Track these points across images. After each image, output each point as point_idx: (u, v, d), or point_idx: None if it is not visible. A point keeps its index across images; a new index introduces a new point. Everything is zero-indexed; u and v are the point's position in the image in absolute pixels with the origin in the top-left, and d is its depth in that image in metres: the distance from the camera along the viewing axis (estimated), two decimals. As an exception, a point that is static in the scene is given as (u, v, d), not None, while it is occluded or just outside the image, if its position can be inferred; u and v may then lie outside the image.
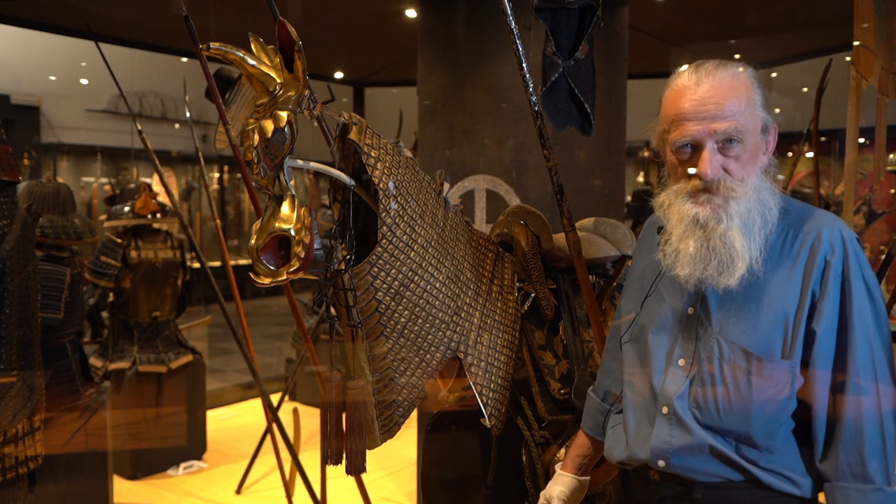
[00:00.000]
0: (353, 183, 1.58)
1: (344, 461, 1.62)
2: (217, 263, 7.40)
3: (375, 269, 1.56)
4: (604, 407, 1.68)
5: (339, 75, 6.80)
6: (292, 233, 1.39)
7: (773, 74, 6.85)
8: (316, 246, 1.44)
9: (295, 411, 3.57)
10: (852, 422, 1.30)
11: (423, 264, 1.64)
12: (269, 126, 1.36)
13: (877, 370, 1.31)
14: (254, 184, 1.76)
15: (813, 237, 1.34)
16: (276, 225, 1.39)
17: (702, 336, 1.40)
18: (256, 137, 1.36)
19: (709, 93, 1.32)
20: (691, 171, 1.35)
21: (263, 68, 1.36)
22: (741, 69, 1.36)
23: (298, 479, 3.35)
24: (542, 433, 1.95)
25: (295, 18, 1.63)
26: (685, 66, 1.38)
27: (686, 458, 1.40)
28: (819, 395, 1.33)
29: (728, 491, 1.38)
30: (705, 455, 1.38)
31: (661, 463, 1.42)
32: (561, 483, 1.71)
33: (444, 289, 1.70)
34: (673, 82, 1.38)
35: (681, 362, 1.42)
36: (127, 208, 4.20)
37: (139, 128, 3.84)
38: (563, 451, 1.96)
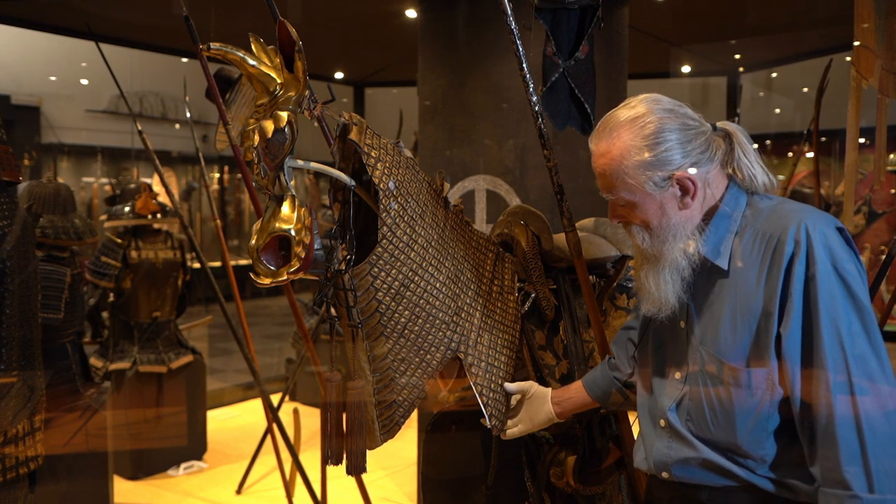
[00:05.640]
0: (353, 183, 1.58)
1: (344, 461, 1.62)
2: (217, 264, 7.40)
3: (376, 270, 1.56)
4: (608, 373, 1.75)
5: (339, 75, 6.80)
6: (292, 233, 1.39)
7: (774, 74, 6.85)
8: (316, 246, 1.44)
9: (295, 411, 3.57)
10: (824, 427, 1.25)
11: (424, 264, 1.64)
12: (269, 126, 1.35)
13: (850, 371, 1.24)
14: (254, 184, 1.76)
15: (778, 237, 1.31)
16: (277, 225, 1.39)
17: (690, 348, 1.42)
18: (257, 138, 1.36)
19: (595, 161, 1.43)
20: None
21: (263, 68, 1.36)
22: (639, 121, 1.36)
23: (299, 480, 3.35)
24: (542, 433, 1.95)
25: (295, 18, 1.63)
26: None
27: (686, 469, 1.42)
28: (795, 401, 1.29)
29: (732, 493, 1.38)
30: (703, 466, 1.40)
31: (665, 474, 1.46)
32: (529, 383, 1.81)
33: (444, 289, 1.70)
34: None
35: (677, 375, 1.45)
36: (127, 208, 4.20)
37: (139, 128, 3.84)
38: (563, 451, 1.96)
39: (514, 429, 1.81)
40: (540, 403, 1.78)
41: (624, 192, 1.39)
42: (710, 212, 1.40)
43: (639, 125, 1.36)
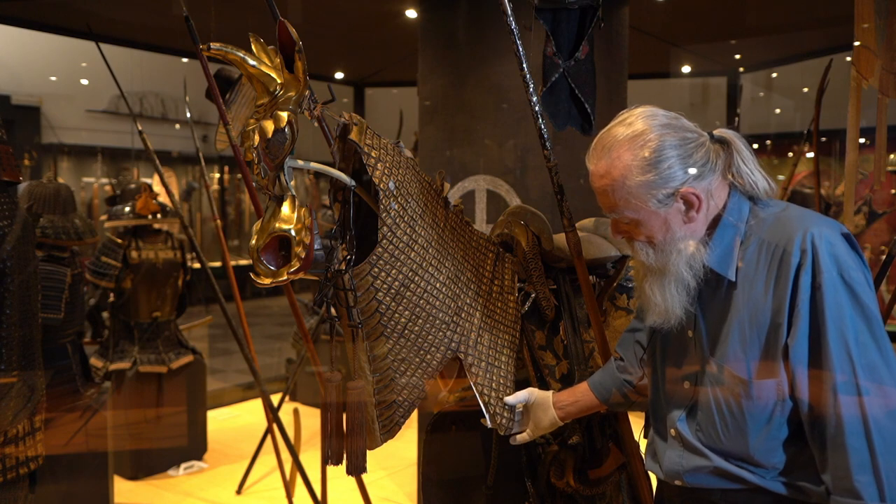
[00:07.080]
0: (353, 183, 1.58)
1: (344, 461, 1.62)
2: (217, 264, 7.39)
3: (376, 270, 1.56)
4: (617, 375, 1.73)
5: (339, 75, 6.80)
6: (293, 233, 1.39)
7: (774, 75, 6.84)
8: (316, 246, 1.44)
9: (295, 412, 3.57)
10: (833, 436, 1.24)
11: (424, 264, 1.64)
12: (269, 126, 1.36)
13: (859, 380, 1.23)
14: (254, 184, 1.76)
15: (784, 247, 1.29)
16: (277, 225, 1.39)
17: (699, 358, 1.41)
18: (257, 138, 1.36)
19: (597, 182, 1.40)
20: None
21: (264, 68, 1.36)
22: (639, 139, 1.33)
23: (299, 480, 3.35)
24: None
25: (295, 18, 1.63)
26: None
27: (698, 477, 1.42)
28: (804, 411, 1.29)
29: (745, 494, 1.39)
30: (714, 473, 1.40)
31: (678, 482, 1.46)
32: (528, 391, 1.78)
33: (444, 289, 1.70)
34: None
35: (685, 385, 1.45)
36: (127, 209, 4.20)
37: (139, 128, 3.84)
38: (563, 451, 1.96)
39: (521, 434, 1.81)
40: (543, 409, 1.76)
41: (627, 210, 1.37)
42: (713, 221, 1.38)
43: (638, 144, 1.33)
